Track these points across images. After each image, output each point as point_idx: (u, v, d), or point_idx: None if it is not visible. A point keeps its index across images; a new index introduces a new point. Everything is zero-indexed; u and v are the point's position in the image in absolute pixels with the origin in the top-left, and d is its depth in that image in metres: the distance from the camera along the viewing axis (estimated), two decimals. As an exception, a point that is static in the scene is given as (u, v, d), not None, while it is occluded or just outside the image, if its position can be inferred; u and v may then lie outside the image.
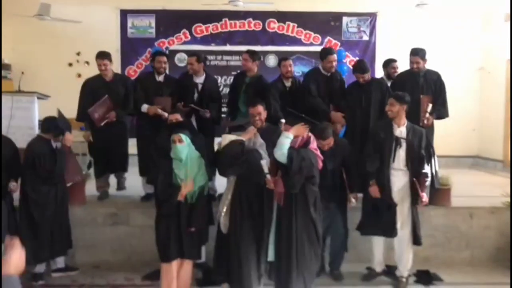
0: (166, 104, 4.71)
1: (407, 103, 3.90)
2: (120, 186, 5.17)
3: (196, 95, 4.85)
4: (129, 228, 4.56)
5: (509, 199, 4.55)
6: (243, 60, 4.95)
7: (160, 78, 4.93)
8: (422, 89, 4.75)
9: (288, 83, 4.97)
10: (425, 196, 3.83)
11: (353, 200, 3.95)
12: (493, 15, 7.84)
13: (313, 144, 3.46)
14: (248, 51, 5.00)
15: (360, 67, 4.68)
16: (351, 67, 6.52)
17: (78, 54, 7.89)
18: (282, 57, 5.17)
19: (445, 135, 5.02)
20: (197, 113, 4.72)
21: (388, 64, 5.55)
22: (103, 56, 4.95)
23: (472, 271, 4.40)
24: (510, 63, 6.51)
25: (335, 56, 4.92)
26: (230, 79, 7.21)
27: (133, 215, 4.57)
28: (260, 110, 3.79)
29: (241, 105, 4.89)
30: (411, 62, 4.79)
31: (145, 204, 4.64)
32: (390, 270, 4.22)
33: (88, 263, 4.40)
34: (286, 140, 3.33)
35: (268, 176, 3.43)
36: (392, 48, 7.87)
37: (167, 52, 7.34)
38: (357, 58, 7.76)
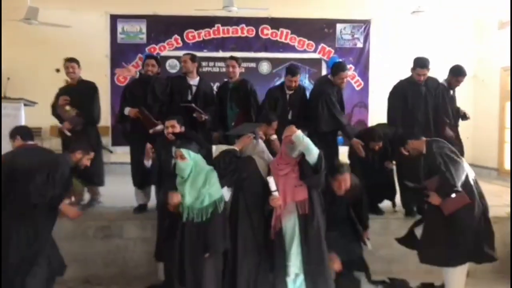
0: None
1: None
2: (91, 202, 4.88)
3: (190, 98, 4.73)
4: (122, 241, 4.37)
5: (509, 210, 4.48)
6: (231, 67, 4.84)
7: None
8: (425, 97, 4.64)
9: (289, 91, 4.85)
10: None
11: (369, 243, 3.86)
12: (486, 23, 7.85)
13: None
14: (233, 58, 4.90)
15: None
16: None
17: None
18: (290, 71, 4.82)
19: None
20: (191, 116, 4.52)
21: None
22: (71, 60, 4.93)
23: (474, 283, 4.29)
24: (510, 71, 6.48)
25: (347, 73, 4.84)
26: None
27: (127, 227, 4.38)
28: (174, 123, 3.96)
29: (229, 112, 4.85)
30: (418, 75, 4.58)
31: (139, 216, 4.47)
32: (392, 283, 4.12)
33: (78, 278, 4.20)
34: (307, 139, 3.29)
35: (276, 194, 3.29)
36: (386, 56, 7.92)
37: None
38: (350, 66, 7.73)
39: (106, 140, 7.72)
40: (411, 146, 3.89)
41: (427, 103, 4.63)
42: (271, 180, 3.30)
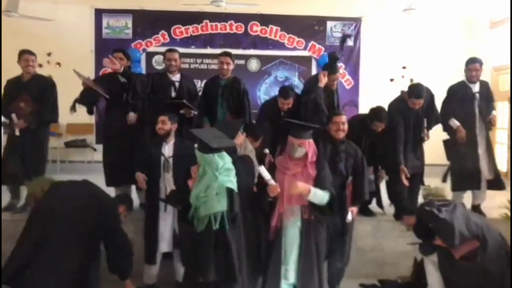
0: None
1: None
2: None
3: (174, 94, 4.58)
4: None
5: (503, 211, 4.39)
6: (225, 64, 4.70)
7: (124, 78, 4.59)
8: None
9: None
10: None
11: (350, 214, 3.70)
12: (478, 22, 7.79)
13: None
14: (228, 54, 4.75)
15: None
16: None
17: (49, 54, 7.43)
18: (283, 93, 4.56)
19: (431, 143, 4.87)
20: (177, 113, 4.35)
21: None
22: (30, 52, 4.62)
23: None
24: (510, 71, 6.42)
25: (337, 75, 4.74)
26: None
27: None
28: (165, 119, 3.91)
29: (219, 109, 4.71)
30: (413, 104, 4.41)
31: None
32: (383, 286, 4.03)
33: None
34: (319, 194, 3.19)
35: (272, 182, 3.13)
36: (376, 54, 7.83)
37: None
38: (341, 64, 7.61)
39: (90, 138, 7.53)
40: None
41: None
42: (262, 169, 3.13)
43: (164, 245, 3.92)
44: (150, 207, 3.98)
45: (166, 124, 3.95)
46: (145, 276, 4.06)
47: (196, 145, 3.04)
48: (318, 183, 3.24)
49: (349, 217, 3.68)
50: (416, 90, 4.42)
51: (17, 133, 4.43)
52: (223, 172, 2.93)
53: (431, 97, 4.68)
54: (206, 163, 2.93)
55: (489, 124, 4.79)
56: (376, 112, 4.38)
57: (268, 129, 4.46)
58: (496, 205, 4.54)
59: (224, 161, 2.95)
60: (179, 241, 3.85)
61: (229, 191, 2.93)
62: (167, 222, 3.91)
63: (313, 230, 3.25)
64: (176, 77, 4.70)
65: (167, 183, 3.87)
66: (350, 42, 7.81)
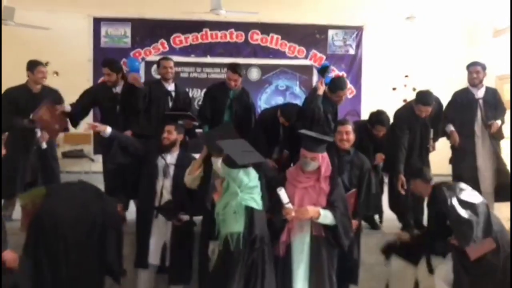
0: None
1: None
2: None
3: (171, 104, 4.50)
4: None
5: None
6: (233, 81, 4.57)
7: (117, 89, 4.51)
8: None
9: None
10: None
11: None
12: (481, 30, 7.70)
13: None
14: (235, 70, 4.59)
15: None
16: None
17: (46, 64, 7.25)
18: (285, 114, 4.42)
19: (439, 152, 4.76)
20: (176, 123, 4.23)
21: None
22: (43, 64, 4.63)
23: None
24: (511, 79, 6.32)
25: (345, 92, 4.57)
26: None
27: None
28: (171, 129, 3.85)
29: (227, 119, 4.62)
30: (420, 111, 4.29)
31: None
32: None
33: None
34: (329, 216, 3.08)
35: (290, 205, 2.99)
36: (378, 63, 7.72)
37: (141, 62, 7.12)
38: (342, 73, 7.52)
39: (88, 148, 7.40)
40: (414, 186, 3.74)
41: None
42: (282, 193, 3.00)
43: (153, 256, 3.77)
44: (144, 210, 3.85)
45: (172, 134, 3.87)
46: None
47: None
48: (331, 201, 3.11)
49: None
50: (423, 97, 4.27)
51: (44, 146, 4.42)
52: (245, 189, 2.77)
53: (439, 107, 4.55)
54: (230, 178, 2.79)
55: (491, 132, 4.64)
56: (377, 115, 4.26)
57: (263, 139, 4.35)
58: (505, 216, 4.40)
59: (249, 178, 2.81)
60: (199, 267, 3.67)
61: (249, 210, 2.76)
62: (160, 232, 3.77)
63: (323, 247, 3.11)
64: (171, 87, 4.63)
65: (165, 189, 3.77)
66: (352, 51, 7.72)
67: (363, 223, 4.06)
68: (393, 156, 4.24)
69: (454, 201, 3.35)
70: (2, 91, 4.63)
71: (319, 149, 3.15)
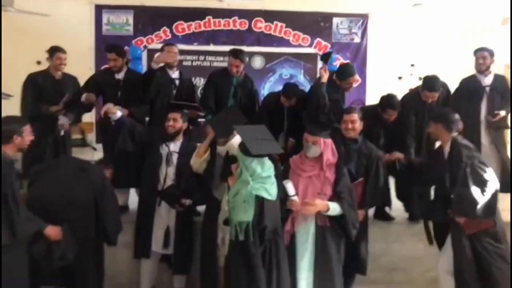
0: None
1: None
2: None
3: (174, 92, 4.42)
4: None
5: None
6: (235, 67, 4.48)
7: (120, 75, 4.44)
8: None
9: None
10: None
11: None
12: (489, 18, 7.58)
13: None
14: (237, 56, 4.50)
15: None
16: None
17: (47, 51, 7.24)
18: (286, 91, 4.46)
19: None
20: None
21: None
22: (62, 50, 4.57)
23: None
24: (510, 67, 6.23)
25: (355, 77, 4.47)
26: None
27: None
28: (176, 117, 3.75)
29: None
30: (426, 97, 4.22)
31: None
32: None
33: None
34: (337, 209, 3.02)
35: (295, 198, 2.94)
36: (384, 52, 7.61)
37: (143, 50, 7.06)
38: (348, 61, 7.41)
39: (90, 137, 7.33)
40: (433, 129, 3.49)
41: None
42: (289, 186, 2.96)
43: (155, 244, 3.73)
44: (147, 198, 3.80)
45: (177, 122, 3.79)
46: (142, 281, 3.89)
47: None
48: (338, 191, 3.04)
49: None
50: (429, 82, 4.18)
51: (62, 133, 4.53)
52: (257, 178, 2.70)
53: (447, 93, 4.46)
54: (244, 165, 2.73)
55: (493, 122, 4.54)
56: (388, 99, 4.17)
57: (267, 123, 4.29)
58: (505, 207, 4.33)
59: (263, 168, 2.73)
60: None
61: (260, 200, 2.68)
62: (162, 221, 3.72)
63: (329, 237, 3.05)
64: (175, 74, 4.54)
65: (168, 177, 3.72)
66: (357, 39, 7.61)
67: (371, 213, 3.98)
68: (402, 142, 4.15)
69: (468, 169, 3.17)
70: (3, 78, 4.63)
71: (320, 133, 3.10)
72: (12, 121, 3.17)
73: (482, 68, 4.59)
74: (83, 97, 4.44)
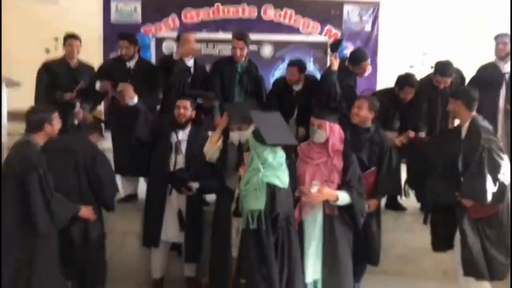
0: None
1: None
2: None
3: (189, 81, 4.34)
4: (108, 236, 3.91)
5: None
6: (239, 49, 4.38)
7: (131, 64, 4.38)
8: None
9: (298, 87, 4.44)
10: None
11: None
12: (507, 4, 7.41)
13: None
14: (240, 37, 4.41)
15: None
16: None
17: (56, 40, 7.18)
18: (290, 61, 4.59)
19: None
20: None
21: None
22: (76, 36, 4.55)
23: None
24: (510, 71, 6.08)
25: (368, 62, 4.43)
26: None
27: (113, 220, 3.91)
28: (187, 105, 3.71)
29: (237, 98, 4.44)
30: (438, 81, 4.13)
31: (127, 207, 4.10)
32: None
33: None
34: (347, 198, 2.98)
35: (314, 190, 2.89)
36: (395, 40, 7.48)
37: (152, 38, 7.04)
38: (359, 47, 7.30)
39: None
40: (452, 106, 3.38)
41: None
42: (315, 183, 2.94)
43: (166, 233, 3.71)
44: (157, 186, 3.76)
45: (187, 109, 3.75)
46: (152, 270, 3.88)
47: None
48: (347, 180, 2.98)
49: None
50: (441, 66, 4.10)
51: (76, 122, 4.47)
52: (268, 166, 2.64)
53: (461, 80, 4.37)
54: (255, 152, 2.67)
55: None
56: (406, 77, 4.11)
57: (276, 107, 4.22)
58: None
59: (275, 156, 2.67)
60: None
61: (271, 187, 2.64)
62: (173, 210, 3.70)
63: (337, 225, 3.00)
64: (190, 62, 4.46)
65: (177, 166, 3.71)
66: (368, 27, 7.49)
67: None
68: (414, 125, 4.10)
69: (485, 154, 3.08)
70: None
71: (326, 116, 3.04)
72: (41, 110, 3.18)
73: (502, 54, 4.49)
74: (98, 85, 4.39)
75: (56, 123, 3.13)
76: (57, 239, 3.07)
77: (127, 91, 3.82)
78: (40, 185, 2.88)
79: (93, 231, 3.24)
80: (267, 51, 7.40)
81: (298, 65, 4.49)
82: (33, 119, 3.04)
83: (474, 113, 3.31)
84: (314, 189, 2.89)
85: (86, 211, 3.16)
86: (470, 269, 3.17)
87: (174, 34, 7.24)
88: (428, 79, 4.30)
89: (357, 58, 4.31)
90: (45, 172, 2.94)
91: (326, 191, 2.93)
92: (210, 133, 3.72)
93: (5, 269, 2.86)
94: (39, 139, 3.05)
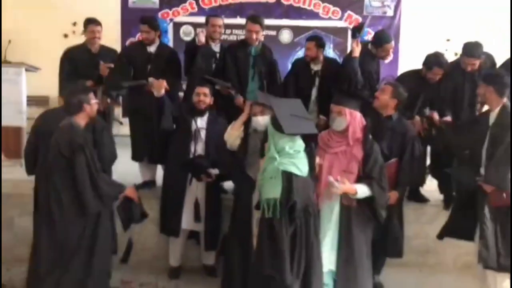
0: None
1: None
2: None
3: (213, 66, 4.26)
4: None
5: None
6: (254, 33, 4.27)
7: (152, 48, 4.31)
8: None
9: (316, 67, 4.30)
10: None
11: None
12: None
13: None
14: (256, 20, 4.29)
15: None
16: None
17: (74, 24, 7.19)
18: (309, 37, 4.53)
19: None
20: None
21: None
22: (96, 21, 4.42)
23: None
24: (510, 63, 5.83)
25: (392, 44, 4.24)
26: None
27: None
28: (206, 91, 3.68)
29: (251, 83, 4.34)
30: (465, 63, 3.97)
31: (146, 193, 4.07)
32: None
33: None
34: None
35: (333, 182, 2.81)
36: (417, 26, 7.28)
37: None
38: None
39: (117, 110, 7.31)
40: (482, 91, 3.28)
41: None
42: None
43: (185, 222, 3.69)
44: (177, 174, 3.72)
45: (207, 96, 3.71)
46: (171, 258, 3.88)
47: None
48: (367, 171, 2.89)
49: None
50: (469, 47, 3.91)
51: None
52: (285, 154, 2.56)
53: (492, 65, 4.19)
54: (273, 140, 2.60)
55: None
56: (436, 57, 3.94)
57: (294, 90, 4.23)
58: None
59: (294, 145, 2.60)
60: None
61: (288, 175, 2.55)
62: (192, 199, 3.67)
63: (354, 218, 2.92)
64: (217, 48, 4.39)
65: (197, 153, 3.68)
66: (390, 12, 7.29)
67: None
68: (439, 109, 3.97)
69: None
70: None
71: (346, 103, 2.96)
72: (77, 91, 3.21)
73: None
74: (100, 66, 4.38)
75: (93, 103, 3.19)
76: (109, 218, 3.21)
77: (159, 87, 3.72)
78: (87, 166, 2.96)
79: (136, 210, 3.28)
80: (286, 36, 7.28)
81: (316, 40, 4.37)
82: (72, 102, 3.11)
83: (505, 99, 3.19)
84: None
85: (130, 191, 3.22)
86: (486, 260, 3.09)
87: (192, 19, 7.28)
88: (456, 63, 4.13)
89: (381, 39, 4.15)
90: (91, 152, 3.01)
91: (344, 186, 2.83)
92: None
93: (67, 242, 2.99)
94: (80, 120, 3.10)
